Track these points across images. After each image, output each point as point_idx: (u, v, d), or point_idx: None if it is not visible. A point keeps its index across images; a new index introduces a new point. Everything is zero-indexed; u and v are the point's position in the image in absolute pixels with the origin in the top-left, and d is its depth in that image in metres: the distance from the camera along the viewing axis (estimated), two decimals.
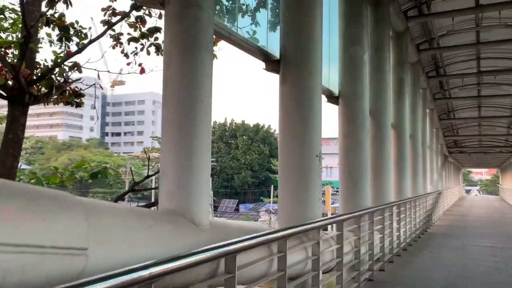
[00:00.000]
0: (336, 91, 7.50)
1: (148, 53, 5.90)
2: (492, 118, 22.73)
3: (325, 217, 5.08)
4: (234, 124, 65.17)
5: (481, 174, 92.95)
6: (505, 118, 22.49)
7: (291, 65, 5.26)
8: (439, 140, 23.19)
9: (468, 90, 18.79)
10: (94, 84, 5.22)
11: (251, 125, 64.80)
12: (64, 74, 4.84)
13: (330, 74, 7.65)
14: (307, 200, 5.25)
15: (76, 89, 5.10)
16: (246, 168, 59.80)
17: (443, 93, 18.86)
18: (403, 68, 11.17)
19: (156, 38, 5.84)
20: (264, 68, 5.51)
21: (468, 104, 21.26)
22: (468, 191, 65.96)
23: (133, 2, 5.28)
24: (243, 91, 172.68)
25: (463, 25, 12.99)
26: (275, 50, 5.60)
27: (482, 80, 17.26)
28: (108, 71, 6.34)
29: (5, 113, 4.33)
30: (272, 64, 5.50)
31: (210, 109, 3.59)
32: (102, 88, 7.24)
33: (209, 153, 3.61)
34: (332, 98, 7.57)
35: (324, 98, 7.03)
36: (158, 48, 5.88)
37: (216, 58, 5.81)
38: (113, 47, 5.81)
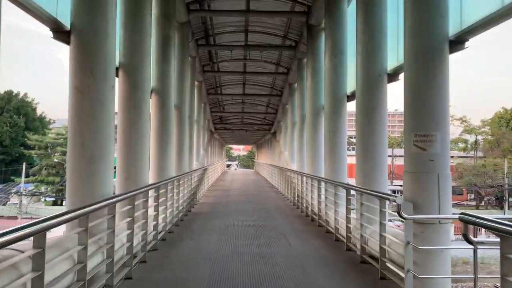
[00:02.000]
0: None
1: None
2: (254, 96, 24.32)
3: None
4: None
5: (239, 150, 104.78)
6: (265, 97, 24.43)
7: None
8: (206, 115, 23.30)
9: (235, 65, 19.11)
10: None
11: (1, 92, 55.20)
12: None
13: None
14: None
15: None
16: None
17: (212, 66, 18.60)
18: (169, 23, 9.54)
19: None
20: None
21: (235, 80, 21.94)
22: (228, 166, 73.21)
23: None
24: None
25: None
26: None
27: (249, 55, 17.69)
28: None
29: None
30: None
31: None
32: None
33: None
34: (62, 34, 5.15)
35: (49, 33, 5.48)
36: None
37: None
38: None
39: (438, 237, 4.38)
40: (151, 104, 9.02)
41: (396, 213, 4.13)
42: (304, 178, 12.07)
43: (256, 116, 30.92)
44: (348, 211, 6.90)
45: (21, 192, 40.63)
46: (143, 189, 5.83)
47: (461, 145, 64.19)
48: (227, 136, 41.08)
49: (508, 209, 41.25)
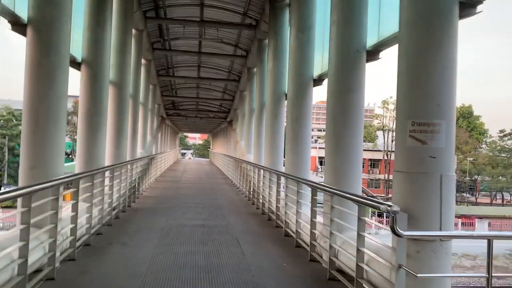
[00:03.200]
0: None
1: None
2: (210, 80, 22.87)
3: None
4: None
5: (195, 138, 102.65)
6: (222, 82, 23.04)
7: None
8: (157, 99, 21.60)
9: (190, 44, 17.58)
10: None
11: None
12: None
13: None
14: None
15: None
16: None
17: (163, 44, 16.94)
18: None
19: None
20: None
21: (189, 61, 20.33)
22: (183, 154, 71.45)
23: None
24: None
25: None
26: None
27: (205, 34, 16.24)
28: None
29: None
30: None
31: None
32: None
33: None
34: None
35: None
36: None
37: None
38: None
39: (437, 259, 3.36)
40: (81, 78, 7.51)
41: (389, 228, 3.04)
42: (262, 171, 10.97)
43: (212, 103, 29.43)
44: (313, 213, 5.83)
45: None
46: (53, 183, 4.43)
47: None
48: (180, 124, 39.23)
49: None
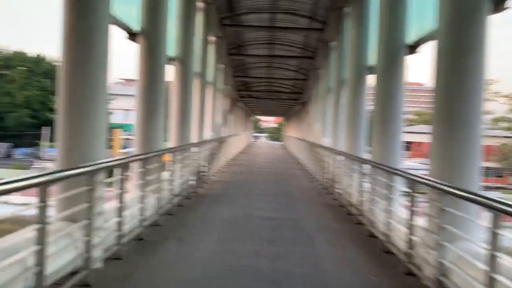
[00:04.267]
0: None
1: None
2: (283, 58, 21.67)
3: None
4: (7, 52, 54.00)
5: (269, 122, 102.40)
6: (295, 59, 21.74)
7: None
8: (228, 79, 20.95)
9: (261, 19, 16.51)
10: None
11: (33, 56, 54.81)
12: None
13: None
14: None
15: None
16: (24, 106, 51.43)
17: (233, 19, 16.06)
18: None
19: None
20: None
21: (260, 38, 19.29)
22: (256, 138, 71.64)
23: None
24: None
25: None
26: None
27: (278, 5, 15.06)
28: None
29: None
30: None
31: None
32: None
33: None
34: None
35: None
36: None
37: None
38: None
39: None
40: (138, 51, 6.84)
41: None
42: (340, 157, 9.74)
43: (284, 83, 28.21)
44: (412, 214, 4.57)
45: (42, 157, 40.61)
46: (87, 168, 3.71)
47: (504, 124, 59.12)
48: (253, 106, 38.62)
49: None
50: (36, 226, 2.95)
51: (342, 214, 7.96)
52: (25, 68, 53.41)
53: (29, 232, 3.14)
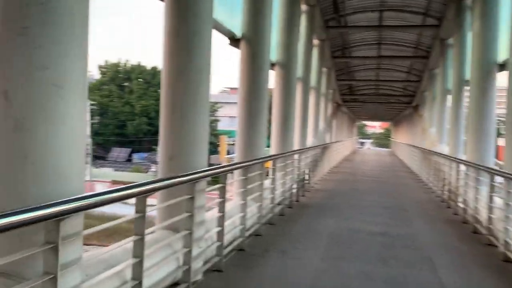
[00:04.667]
0: None
1: None
2: (392, 59, 20.35)
3: None
4: (127, 65, 59.62)
5: (375, 127, 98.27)
6: (407, 60, 20.28)
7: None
8: (331, 83, 20.30)
9: (368, 18, 15.65)
10: None
11: (149, 68, 59.93)
12: None
13: None
14: None
15: None
16: (142, 115, 56.42)
17: (338, 20, 15.46)
18: None
19: None
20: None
21: (367, 38, 18.32)
22: (361, 144, 69.16)
23: None
24: (138, 30, 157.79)
25: None
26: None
27: (386, 3, 14.11)
28: None
29: None
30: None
31: None
32: None
33: None
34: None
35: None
36: None
37: None
38: None
39: None
40: (240, 56, 6.75)
41: None
42: (462, 166, 8.62)
43: (393, 85, 26.52)
44: None
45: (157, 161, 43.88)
46: (213, 171, 3.62)
47: None
48: (358, 110, 37.10)
49: None
50: (135, 237, 2.84)
51: (466, 232, 6.95)
52: (142, 80, 58.62)
53: (129, 242, 3.07)
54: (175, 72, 4.01)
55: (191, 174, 3.56)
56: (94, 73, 64.06)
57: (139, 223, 2.84)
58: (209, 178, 4.03)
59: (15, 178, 2.21)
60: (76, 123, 2.36)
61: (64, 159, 2.27)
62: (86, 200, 2.23)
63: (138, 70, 59.87)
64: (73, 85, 2.32)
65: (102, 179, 38.44)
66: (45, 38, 2.20)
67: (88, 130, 46.16)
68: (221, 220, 4.42)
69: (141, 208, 2.85)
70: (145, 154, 53.53)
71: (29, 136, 2.18)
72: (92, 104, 51.31)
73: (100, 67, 60.71)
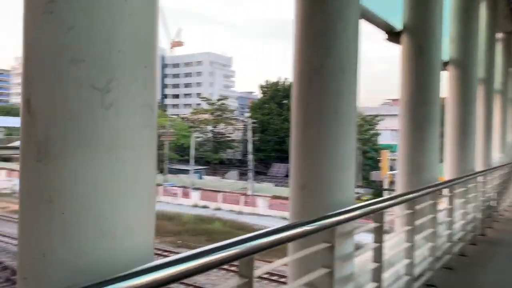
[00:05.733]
0: None
1: None
2: None
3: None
4: (286, 83, 61.54)
5: None
6: None
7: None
8: None
9: None
10: None
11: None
12: None
13: None
14: None
15: None
16: None
17: None
18: None
19: None
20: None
21: None
22: None
23: None
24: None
25: None
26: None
27: None
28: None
29: None
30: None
31: None
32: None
33: None
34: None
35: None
36: None
37: None
38: None
39: None
40: (402, 50, 5.48)
41: None
42: None
43: None
44: None
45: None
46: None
47: None
48: None
49: None
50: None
51: None
52: None
53: None
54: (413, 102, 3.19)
55: (328, 217, 2.52)
56: (256, 93, 67.99)
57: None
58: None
59: None
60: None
61: None
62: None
63: None
64: None
65: (263, 193, 39.78)
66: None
67: (250, 147, 48.83)
68: (377, 273, 3.25)
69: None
70: None
71: None
72: (253, 122, 54.34)
73: (261, 86, 64.08)
